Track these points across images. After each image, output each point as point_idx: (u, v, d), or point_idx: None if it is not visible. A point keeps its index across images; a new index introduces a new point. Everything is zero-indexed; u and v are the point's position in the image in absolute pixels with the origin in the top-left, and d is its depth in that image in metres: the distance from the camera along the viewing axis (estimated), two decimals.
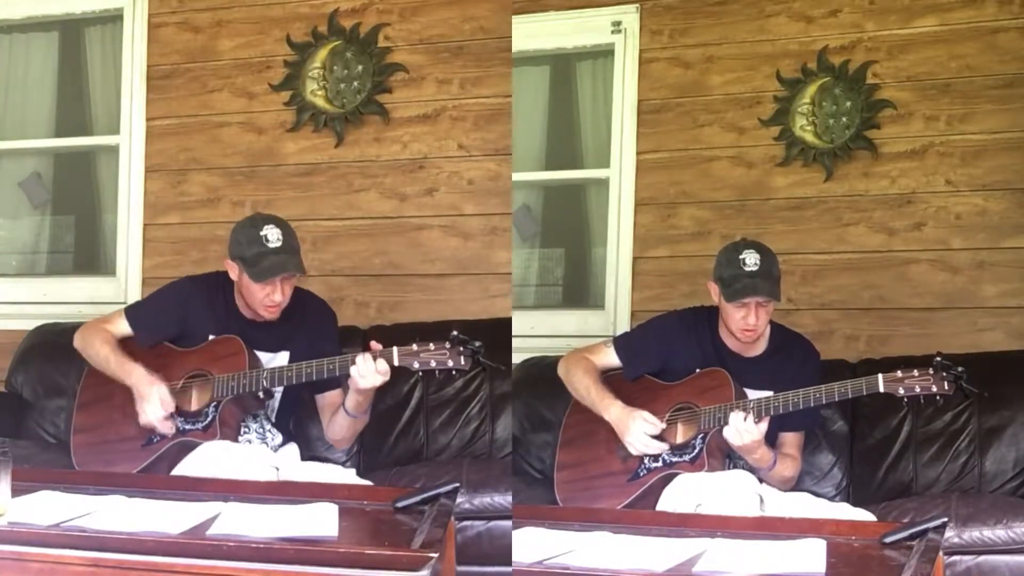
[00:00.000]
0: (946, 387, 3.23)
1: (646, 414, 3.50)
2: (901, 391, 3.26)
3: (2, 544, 2.38)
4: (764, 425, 3.34)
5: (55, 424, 4.22)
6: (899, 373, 3.27)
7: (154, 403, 3.43)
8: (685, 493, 3.34)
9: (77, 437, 3.64)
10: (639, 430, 3.49)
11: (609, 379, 3.67)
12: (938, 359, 3.24)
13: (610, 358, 3.69)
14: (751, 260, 3.44)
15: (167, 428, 3.44)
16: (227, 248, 3.56)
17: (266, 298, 3.46)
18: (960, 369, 3.24)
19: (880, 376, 3.29)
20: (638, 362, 3.66)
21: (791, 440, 3.55)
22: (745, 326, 3.46)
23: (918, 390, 3.25)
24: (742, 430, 3.32)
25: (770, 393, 3.45)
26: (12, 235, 5.22)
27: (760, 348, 3.58)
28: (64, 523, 2.55)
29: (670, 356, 3.63)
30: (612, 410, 3.55)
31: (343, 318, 3.90)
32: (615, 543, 2.71)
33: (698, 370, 3.55)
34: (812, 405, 3.39)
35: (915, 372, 3.26)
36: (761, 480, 3.45)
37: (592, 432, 3.62)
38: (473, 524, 3.69)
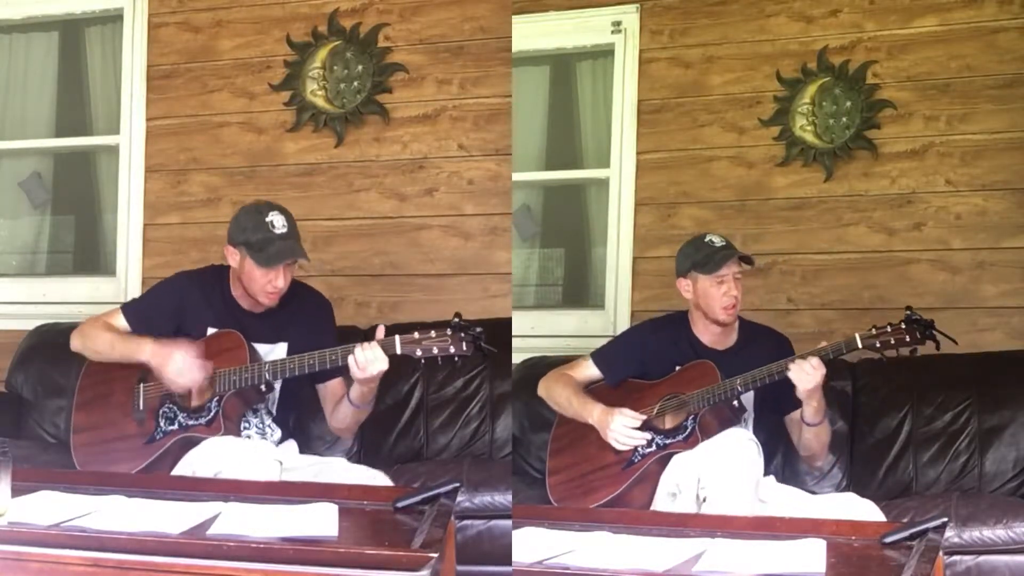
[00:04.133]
0: (918, 336, 3.35)
1: (626, 410, 3.57)
2: (878, 344, 3.38)
3: (2, 544, 2.38)
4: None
5: (55, 424, 4.23)
6: (873, 330, 3.39)
7: (178, 365, 3.43)
8: (685, 467, 3.38)
9: (77, 437, 3.62)
10: (620, 424, 3.55)
11: (593, 390, 3.73)
12: (907, 312, 3.38)
13: (589, 371, 3.77)
14: (716, 239, 3.64)
15: (200, 386, 3.44)
16: (228, 234, 3.55)
17: (268, 284, 3.48)
18: (931, 320, 3.38)
19: (857, 335, 3.39)
20: (617, 367, 3.73)
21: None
22: (727, 301, 3.57)
23: (893, 342, 3.37)
24: (809, 370, 3.38)
25: None
26: (12, 235, 5.23)
27: (732, 339, 3.67)
28: (64, 523, 2.55)
29: (646, 357, 3.70)
30: (594, 412, 3.62)
31: (343, 318, 3.90)
32: (615, 543, 2.71)
33: (678, 367, 3.62)
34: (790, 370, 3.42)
35: (888, 328, 3.38)
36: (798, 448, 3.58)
37: (581, 437, 3.67)
38: (473, 524, 3.70)
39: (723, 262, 3.57)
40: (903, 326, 3.36)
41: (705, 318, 3.63)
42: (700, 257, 3.60)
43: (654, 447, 3.53)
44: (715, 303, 3.58)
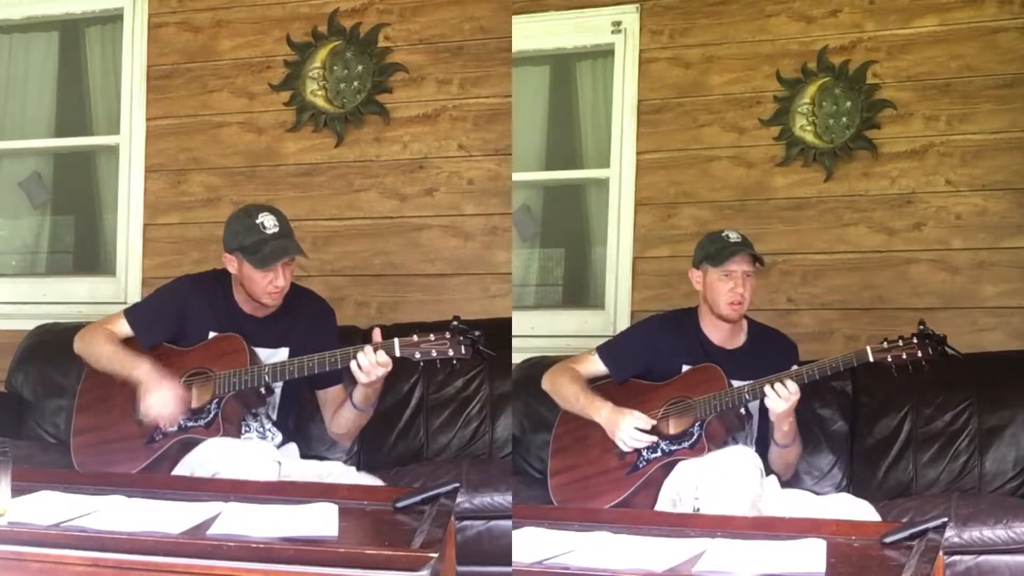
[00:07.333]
0: (930, 352, 3.33)
1: (636, 412, 3.54)
2: (889, 359, 3.35)
3: (2, 544, 2.38)
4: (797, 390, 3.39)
5: (55, 424, 4.23)
6: (885, 343, 3.36)
7: (160, 397, 3.42)
8: (685, 476, 3.37)
9: (77, 439, 3.63)
10: (629, 425, 3.52)
11: (598, 388, 3.69)
12: (920, 327, 3.35)
13: (595, 366, 3.73)
14: (733, 235, 3.63)
15: (172, 422, 3.44)
16: (223, 242, 3.54)
17: (269, 285, 3.48)
18: (943, 335, 3.35)
19: (868, 348, 3.38)
20: (624, 365, 3.70)
21: None
22: (733, 297, 3.57)
23: (905, 357, 3.34)
24: (783, 395, 3.37)
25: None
26: (12, 235, 5.23)
27: (740, 340, 3.67)
28: (64, 523, 2.55)
29: (654, 356, 3.68)
30: (602, 411, 3.58)
31: (343, 318, 3.90)
32: (615, 543, 2.71)
33: (685, 367, 3.61)
34: (806, 381, 3.41)
35: (900, 341, 3.35)
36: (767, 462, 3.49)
37: (584, 437, 3.65)
38: (473, 524, 3.70)
39: (731, 256, 3.56)
40: (915, 340, 3.34)
41: (711, 313, 3.62)
42: (712, 250, 3.61)
43: (659, 452, 3.51)
44: (721, 298, 3.58)
